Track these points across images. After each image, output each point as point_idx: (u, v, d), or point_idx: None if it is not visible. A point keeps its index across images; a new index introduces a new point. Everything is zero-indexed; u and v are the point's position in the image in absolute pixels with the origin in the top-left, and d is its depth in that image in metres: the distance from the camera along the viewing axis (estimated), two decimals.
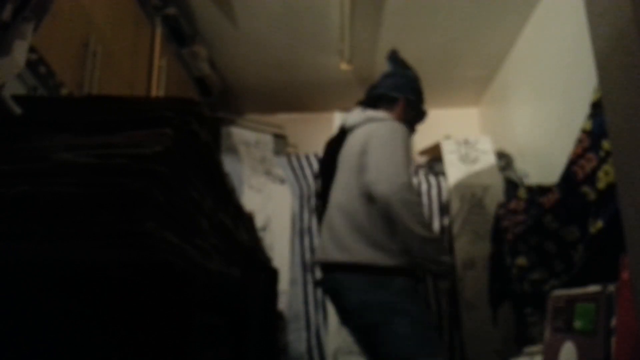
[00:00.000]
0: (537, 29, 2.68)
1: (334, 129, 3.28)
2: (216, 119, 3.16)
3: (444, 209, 2.79)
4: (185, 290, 0.77)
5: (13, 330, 0.71)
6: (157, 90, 2.38)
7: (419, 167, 3.02)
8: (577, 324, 1.24)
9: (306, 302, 2.75)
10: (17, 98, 0.88)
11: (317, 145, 3.33)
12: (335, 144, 2.04)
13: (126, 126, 0.83)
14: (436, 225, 2.78)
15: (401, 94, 2.03)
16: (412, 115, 2.07)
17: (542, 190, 1.73)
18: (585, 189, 1.38)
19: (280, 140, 3.38)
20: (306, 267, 2.82)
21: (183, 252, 0.79)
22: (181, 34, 2.68)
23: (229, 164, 2.82)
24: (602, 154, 1.31)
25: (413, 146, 2.47)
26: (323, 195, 2.05)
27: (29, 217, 0.69)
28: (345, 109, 2.89)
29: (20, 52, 0.88)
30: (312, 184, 2.95)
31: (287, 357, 2.64)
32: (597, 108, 1.35)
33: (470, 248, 2.64)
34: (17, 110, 0.85)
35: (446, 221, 2.77)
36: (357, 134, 1.92)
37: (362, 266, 1.73)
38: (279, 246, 2.84)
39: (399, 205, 1.67)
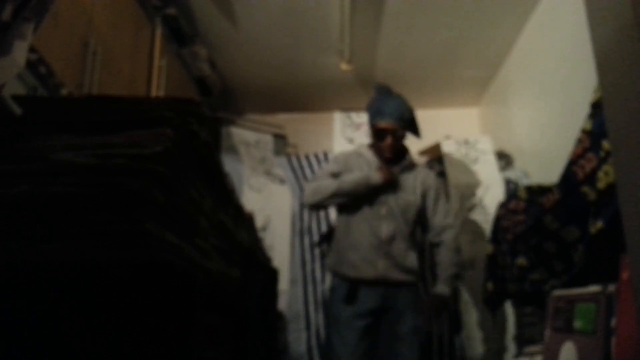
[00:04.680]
0: (537, 29, 2.68)
1: (334, 129, 3.30)
2: (216, 119, 3.16)
3: None
4: (186, 290, 0.77)
5: (14, 330, 0.71)
6: (157, 90, 2.38)
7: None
8: (577, 324, 1.24)
9: (306, 302, 2.75)
10: (17, 98, 0.88)
11: (317, 145, 3.34)
12: None
13: (126, 126, 0.82)
14: None
15: None
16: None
17: (542, 190, 1.73)
18: (585, 189, 1.37)
19: (280, 140, 3.38)
20: (305, 267, 2.82)
21: (183, 252, 0.79)
22: (181, 34, 2.68)
23: (229, 164, 2.81)
24: (602, 154, 1.30)
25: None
26: None
27: (29, 217, 0.69)
28: (346, 108, 2.89)
29: (20, 52, 0.88)
30: None
31: (287, 357, 2.64)
32: (597, 108, 1.35)
33: (470, 248, 2.63)
34: (17, 110, 0.85)
35: None
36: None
37: None
38: (279, 246, 2.84)
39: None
